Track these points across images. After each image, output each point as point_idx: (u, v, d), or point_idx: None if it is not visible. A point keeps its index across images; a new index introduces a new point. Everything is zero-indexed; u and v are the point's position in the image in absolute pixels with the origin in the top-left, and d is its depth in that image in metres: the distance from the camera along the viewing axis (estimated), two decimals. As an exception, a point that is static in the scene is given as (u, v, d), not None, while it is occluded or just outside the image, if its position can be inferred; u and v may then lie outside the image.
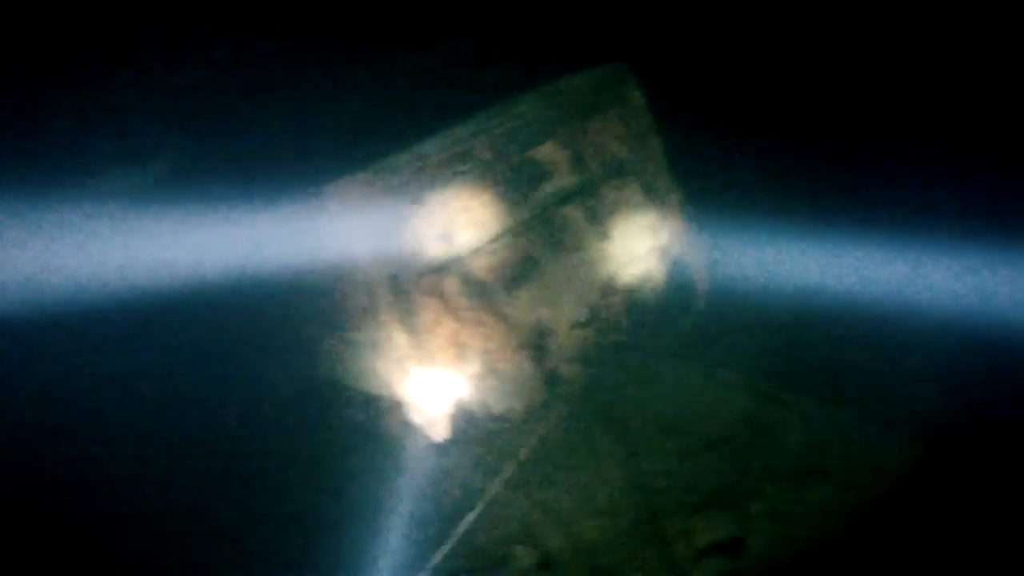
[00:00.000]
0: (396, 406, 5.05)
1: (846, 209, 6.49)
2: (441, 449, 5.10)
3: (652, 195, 6.03)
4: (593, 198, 5.74)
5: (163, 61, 4.90)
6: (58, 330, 4.82)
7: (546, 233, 5.51)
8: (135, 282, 4.72)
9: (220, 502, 4.97)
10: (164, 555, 4.65)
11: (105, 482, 4.97)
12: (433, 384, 5.02)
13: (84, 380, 5.06)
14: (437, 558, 4.58)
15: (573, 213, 5.65)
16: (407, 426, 5.03)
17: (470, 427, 5.17)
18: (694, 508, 4.66)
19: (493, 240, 5.27)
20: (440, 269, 5.04)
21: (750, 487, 4.73)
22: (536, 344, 5.32)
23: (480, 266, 5.18)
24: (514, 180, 5.43)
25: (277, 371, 5.11)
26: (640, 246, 5.94)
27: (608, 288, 5.74)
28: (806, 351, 5.80)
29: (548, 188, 5.58)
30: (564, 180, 5.66)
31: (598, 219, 5.74)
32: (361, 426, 5.02)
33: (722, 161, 6.60)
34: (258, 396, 5.05)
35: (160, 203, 4.83)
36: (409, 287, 4.94)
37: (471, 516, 4.85)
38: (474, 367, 5.14)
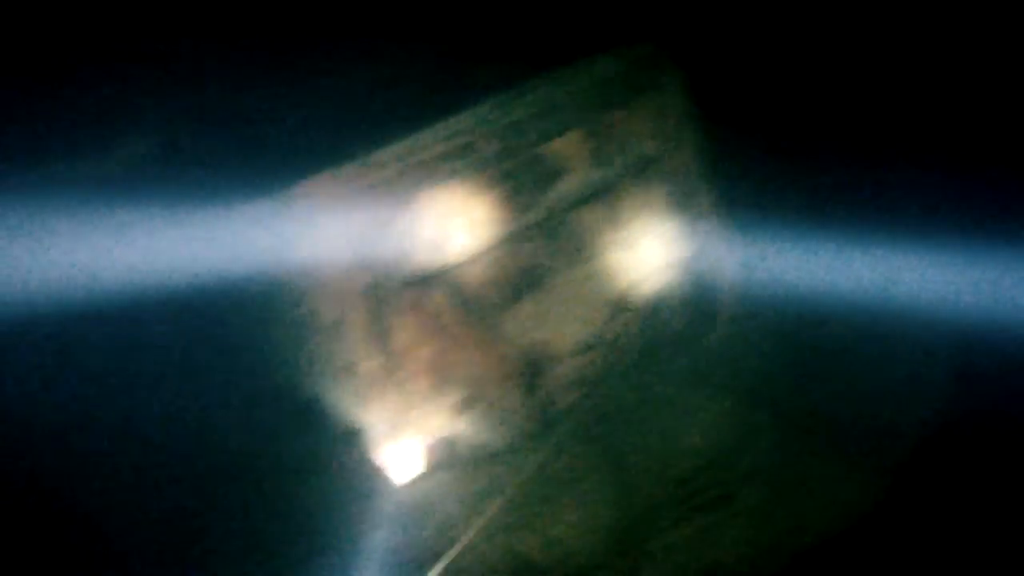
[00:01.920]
0: (363, 434, 4.46)
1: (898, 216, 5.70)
2: (414, 483, 4.52)
3: (681, 198, 5.29)
4: (613, 200, 5.02)
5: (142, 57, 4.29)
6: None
7: (555, 240, 4.82)
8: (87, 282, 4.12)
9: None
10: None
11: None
12: (409, 412, 4.42)
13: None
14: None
15: (588, 217, 4.94)
16: (375, 457, 4.45)
17: (449, 460, 4.59)
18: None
19: (492, 247, 4.58)
20: (426, 281, 4.38)
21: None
22: (531, 370, 4.70)
23: (474, 277, 4.51)
24: (522, 178, 4.70)
25: (229, 385, 4.51)
26: (662, 257, 5.23)
27: (620, 305, 5.06)
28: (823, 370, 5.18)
29: (561, 188, 4.85)
30: (580, 179, 4.92)
31: (617, 225, 5.02)
32: (321, 454, 4.45)
33: (763, 160, 5.77)
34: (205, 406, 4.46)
35: (121, 198, 4.18)
36: (388, 300, 4.30)
37: (445, 558, 4.31)
38: (457, 394, 4.53)
